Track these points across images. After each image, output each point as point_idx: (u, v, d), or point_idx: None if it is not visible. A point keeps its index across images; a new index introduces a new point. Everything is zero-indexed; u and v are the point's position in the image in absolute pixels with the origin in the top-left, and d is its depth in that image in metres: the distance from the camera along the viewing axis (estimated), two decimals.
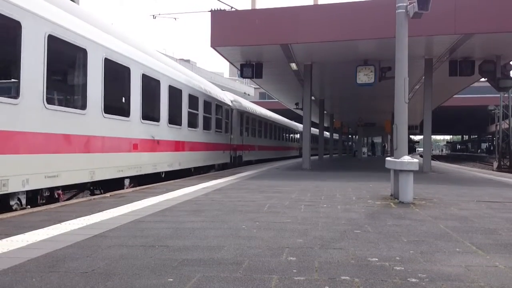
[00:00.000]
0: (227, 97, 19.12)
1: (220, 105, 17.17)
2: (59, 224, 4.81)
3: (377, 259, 3.46)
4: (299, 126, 38.48)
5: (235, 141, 19.37)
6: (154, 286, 2.79)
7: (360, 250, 3.78)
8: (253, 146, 22.86)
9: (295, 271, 3.13)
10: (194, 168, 14.13)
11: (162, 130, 11.37)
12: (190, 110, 13.55)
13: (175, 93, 12.35)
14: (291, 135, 36.57)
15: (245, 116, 21.21)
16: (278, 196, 7.60)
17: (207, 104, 15.47)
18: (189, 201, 6.93)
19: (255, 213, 5.75)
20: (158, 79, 11.11)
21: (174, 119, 12.30)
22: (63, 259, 3.41)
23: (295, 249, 3.79)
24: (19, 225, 4.77)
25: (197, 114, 14.34)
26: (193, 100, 13.89)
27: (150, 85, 10.74)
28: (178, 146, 12.54)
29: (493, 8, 12.00)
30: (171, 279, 2.93)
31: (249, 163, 21.95)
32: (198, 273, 3.07)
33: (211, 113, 15.90)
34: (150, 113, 10.77)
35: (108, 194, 7.88)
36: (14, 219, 5.17)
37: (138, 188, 9.19)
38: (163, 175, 11.60)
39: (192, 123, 13.84)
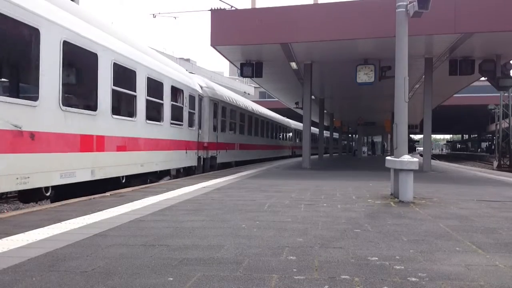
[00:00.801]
0: (193, 80, 14.57)
1: (180, 89, 12.62)
2: (59, 223, 4.81)
3: (377, 258, 3.47)
4: (292, 123, 36.31)
5: (206, 138, 15.06)
6: (154, 285, 2.79)
7: (360, 249, 3.78)
8: (232, 145, 18.79)
9: (295, 270, 3.13)
10: (129, 176, 9.75)
11: (46, 115, 6.80)
12: (118, 88, 8.98)
13: (81, 58, 7.95)
14: (283, 132, 32.42)
15: (221, 107, 16.91)
16: (278, 195, 7.60)
17: (155, 85, 10.88)
18: (189, 200, 6.93)
19: (255, 212, 5.76)
20: (35, 26, 6.51)
21: (80, 100, 8.16)
22: (63, 258, 3.41)
23: (295, 248, 3.79)
24: (19, 224, 4.77)
25: (134, 96, 9.73)
26: (124, 74, 9.32)
27: (13, 34, 6.33)
28: (88, 143, 7.98)
29: (493, 7, 11.99)
30: (171, 278, 2.93)
31: (227, 165, 18.00)
32: (198, 272, 3.07)
33: (163, 98, 11.30)
34: (10, 84, 6.83)
35: (108, 193, 7.87)
36: (14, 218, 5.17)
37: (138, 187, 9.18)
38: (48, 193, 7.41)
39: (123, 110, 9.49)
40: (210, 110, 15.64)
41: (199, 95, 14.57)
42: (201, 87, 15.28)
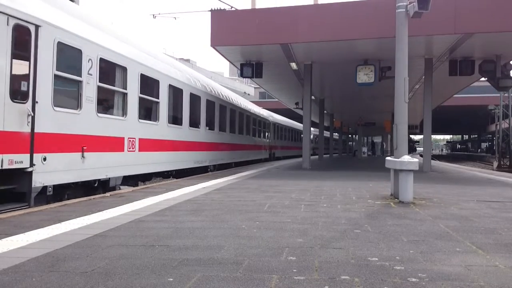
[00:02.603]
0: None
1: None
2: (59, 224, 4.81)
3: (377, 259, 3.46)
4: (271, 117, 28.70)
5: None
6: (154, 286, 2.79)
7: (360, 249, 3.78)
8: (109, 141, 8.84)
9: (295, 270, 3.13)
10: None
11: None
12: None
13: None
14: (257, 126, 23.94)
15: (85, 55, 7.92)
16: (278, 196, 7.60)
17: None
18: (189, 200, 6.93)
19: (255, 212, 5.75)
20: None
21: None
22: (63, 258, 3.41)
23: (295, 248, 3.79)
24: (19, 224, 4.77)
25: None
26: None
27: None
28: None
29: (493, 7, 11.99)
30: (171, 279, 2.93)
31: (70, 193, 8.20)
32: (198, 272, 3.07)
33: None
34: None
35: (108, 194, 7.88)
36: (14, 218, 5.17)
37: (138, 187, 9.18)
38: None
39: None
40: (40, 52, 6.80)
41: None
42: None
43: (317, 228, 4.70)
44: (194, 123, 13.85)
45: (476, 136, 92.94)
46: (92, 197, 7.45)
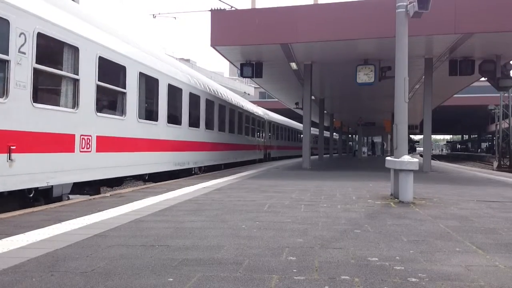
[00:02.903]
0: None
1: None
2: (59, 224, 4.81)
3: (377, 259, 3.46)
4: (266, 115, 26.81)
5: None
6: (154, 286, 2.79)
7: (360, 249, 3.78)
8: (61, 140, 7.19)
9: (295, 270, 3.13)
10: None
11: None
12: None
13: None
14: (248, 125, 21.90)
15: (14, 27, 6.14)
16: (278, 196, 7.60)
17: None
18: (189, 200, 6.93)
19: (255, 212, 5.75)
20: None
21: None
22: (63, 258, 3.41)
23: (295, 248, 3.79)
24: (19, 224, 4.77)
25: None
26: None
27: None
28: None
29: (493, 7, 12.00)
30: (171, 279, 2.93)
31: None
32: (198, 272, 3.07)
33: None
34: None
35: (108, 194, 7.88)
36: (14, 218, 5.17)
37: (138, 187, 9.18)
38: None
39: None
40: None
41: None
42: None
43: (317, 228, 4.70)
44: (174, 119, 12.00)
45: (476, 136, 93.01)
46: (92, 197, 7.46)
